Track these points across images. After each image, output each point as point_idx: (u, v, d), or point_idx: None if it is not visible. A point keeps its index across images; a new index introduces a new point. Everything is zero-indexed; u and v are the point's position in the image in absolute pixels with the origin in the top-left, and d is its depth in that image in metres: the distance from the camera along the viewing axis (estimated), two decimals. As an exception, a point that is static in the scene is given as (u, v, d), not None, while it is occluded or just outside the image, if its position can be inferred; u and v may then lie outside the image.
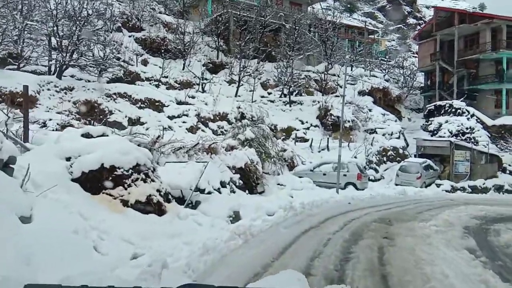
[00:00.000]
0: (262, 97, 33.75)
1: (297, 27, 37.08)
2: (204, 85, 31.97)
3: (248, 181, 17.60)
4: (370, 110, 34.01)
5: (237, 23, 37.33)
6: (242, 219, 10.33)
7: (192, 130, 24.55)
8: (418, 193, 22.27)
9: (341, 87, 39.31)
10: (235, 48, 35.20)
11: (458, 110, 32.41)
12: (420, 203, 18.64)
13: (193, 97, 27.99)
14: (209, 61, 36.05)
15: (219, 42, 37.39)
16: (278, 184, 18.32)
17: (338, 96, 34.54)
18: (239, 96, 31.99)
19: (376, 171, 26.93)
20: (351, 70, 43.45)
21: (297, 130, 29.88)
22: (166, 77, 31.79)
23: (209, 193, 13.76)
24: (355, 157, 25.06)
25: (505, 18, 33.00)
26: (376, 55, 50.26)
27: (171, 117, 25.06)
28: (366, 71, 42.50)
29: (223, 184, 15.27)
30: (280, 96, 34.02)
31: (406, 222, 12.38)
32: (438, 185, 25.43)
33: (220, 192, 14.60)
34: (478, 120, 30.89)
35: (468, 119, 30.50)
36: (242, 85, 33.86)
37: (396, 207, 16.43)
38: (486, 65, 34.95)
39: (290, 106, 32.39)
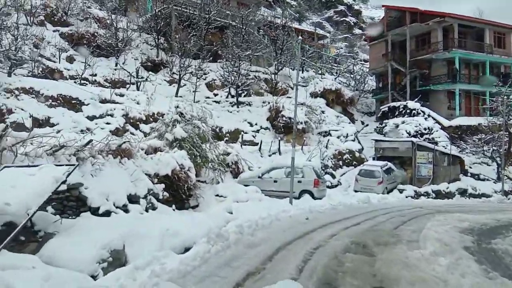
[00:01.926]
0: (207, 98, 29.12)
1: (244, 26, 32.88)
2: (139, 84, 26.89)
3: (177, 192, 12.94)
4: (323, 112, 30.24)
5: (179, 19, 32.62)
6: (128, 264, 5.63)
7: (117, 132, 19.42)
8: (382, 200, 18.43)
9: (292, 88, 35.61)
10: (177, 45, 30.39)
11: (413, 111, 29.35)
12: (389, 213, 14.66)
13: (121, 95, 22.85)
14: (148, 59, 31.01)
15: (159, 39, 32.48)
16: (217, 195, 13.71)
17: (290, 98, 30.69)
18: (180, 96, 27.15)
19: (333, 176, 22.99)
20: (302, 72, 40.01)
21: (246, 132, 25.44)
22: (95, 75, 26.47)
23: (106, 213, 8.96)
24: (310, 161, 20.97)
25: (457, 17, 30.56)
26: (326, 59, 47.13)
27: (91, 118, 19.83)
28: (317, 75, 39.03)
29: (134, 199, 10.50)
30: (227, 97, 29.54)
31: (390, 247, 8.19)
32: (400, 191, 21.82)
33: (126, 211, 9.82)
34: (435, 121, 27.90)
35: (425, 119, 27.41)
36: (185, 85, 29.15)
37: (365, 220, 12.28)
38: (439, 65, 32.35)
39: (238, 107, 27.95)
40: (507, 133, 24.17)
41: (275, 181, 16.23)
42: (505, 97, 24.57)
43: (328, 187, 21.59)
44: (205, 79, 31.50)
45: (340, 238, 8.76)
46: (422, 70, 33.03)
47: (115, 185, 9.89)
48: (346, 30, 78.28)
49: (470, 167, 25.45)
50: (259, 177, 16.44)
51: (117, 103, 21.91)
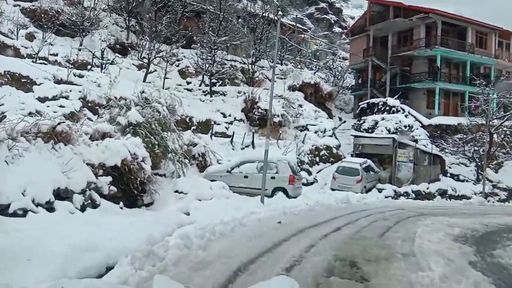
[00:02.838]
0: (179, 85, 26.78)
1: (222, 12, 30.54)
2: (104, 66, 24.32)
3: (127, 187, 10.72)
4: (301, 106, 28.34)
5: (153, 0, 30.05)
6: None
7: (72, 117, 16.92)
8: (361, 200, 16.63)
9: (269, 80, 33.59)
10: (149, 28, 27.84)
11: (393, 108, 27.76)
12: (371, 215, 12.84)
13: (81, 76, 20.29)
14: (117, 41, 28.37)
15: (131, 21, 29.88)
16: (177, 191, 11.52)
17: (267, 89, 28.68)
18: (148, 82, 24.70)
19: (309, 173, 21.13)
20: (281, 65, 38.03)
21: (218, 123, 23.27)
22: (56, 55, 23.76)
23: (21, 213, 6.74)
24: (285, 156, 18.99)
25: (441, 14, 29.14)
26: (306, 53, 45.28)
27: (43, 99, 17.25)
28: (296, 69, 37.13)
29: (65, 194, 8.26)
30: (200, 85, 27.28)
31: (384, 265, 6.27)
32: (379, 190, 20.14)
33: (51, 210, 7.59)
34: (415, 119, 26.42)
35: (406, 116, 25.88)
36: (155, 71, 26.76)
37: (346, 224, 10.37)
38: (420, 63, 30.93)
39: (211, 97, 25.73)
40: (489, 133, 22.86)
41: (245, 177, 14.17)
42: (489, 96, 23.22)
43: (303, 184, 19.73)
44: (178, 66, 29.20)
45: (321, 251, 6.78)
46: (403, 67, 31.59)
47: (38, 176, 7.62)
48: (326, 28, 77.00)
49: (450, 167, 24.09)
50: (228, 171, 14.34)
51: (75, 84, 19.36)
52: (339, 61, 48.14)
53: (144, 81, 24.51)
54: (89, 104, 18.38)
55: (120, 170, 10.51)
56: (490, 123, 22.81)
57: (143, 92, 19.47)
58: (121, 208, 10.11)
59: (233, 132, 20.53)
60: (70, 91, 18.18)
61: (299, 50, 43.43)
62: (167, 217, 8.09)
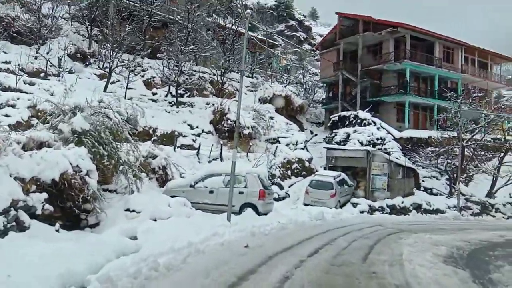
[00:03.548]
0: (143, 95, 24.97)
1: (191, 23, 29.12)
2: (62, 75, 22.29)
3: (68, 205, 8.94)
4: (272, 118, 27.09)
5: (117, 9, 28.32)
6: None
7: (19, 126, 14.87)
8: (336, 216, 15.30)
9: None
10: (111, 36, 26.02)
11: (364, 121, 26.92)
12: (349, 233, 11.48)
13: (32, 84, 18.22)
14: (78, 50, 26.34)
15: (93, 30, 27.97)
16: (128, 210, 9.75)
17: (237, 101, 27.27)
18: (110, 92, 22.78)
19: (281, 187, 19.69)
20: (252, 78, 36.88)
21: (185, 135, 21.58)
22: (8, 62, 21.56)
23: None
24: (255, 168, 17.47)
25: (409, 28, 28.85)
26: (277, 67, 44.42)
27: (-16, 107, 15.14)
28: (267, 82, 36.03)
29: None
30: (166, 96, 25.56)
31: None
32: (354, 205, 18.91)
33: None
34: (387, 132, 25.61)
35: (378, 129, 25.01)
36: (118, 81, 24.90)
37: (323, 245, 8.91)
38: (390, 76, 30.48)
39: (178, 108, 24.05)
40: (461, 146, 22.22)
41: (211, 192, 12.53)
42: (460, 109, 22.66)
43: (275, 199, 18.23)
44: (143, 76, 27.41)
45: (297, 286, 5.24)
46: (373, 80, 31.02)
47: None
48: (296, 45, 77.07)
49: (423, 181, 23.26)
50: (191, 186, 12.65)
51: (25, 92, 17.28)
52: (309, 75, 47.61)
53: (104, 90, 22.60)
54: (39, 114, 16.30)
55: (58, 185, 8.72)
56: (460, 136, 22.18)
57: (101, 101, 17.63)
58: (57, 230, 8.29)
59: (200, 144, 18.91)
60: (18, 99, 16.11)
61: (270, 64, 42.54)
62: (106, 243, 6.36)
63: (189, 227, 8.94)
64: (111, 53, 23.76)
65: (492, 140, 25.96)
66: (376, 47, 31.28)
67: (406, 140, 26.16)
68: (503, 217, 21.62)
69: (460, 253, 10.05)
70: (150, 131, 20.57)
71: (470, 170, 24.51)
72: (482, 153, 25.08)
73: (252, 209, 12.27)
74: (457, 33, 32.92)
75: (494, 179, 23.52)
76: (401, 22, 28.65)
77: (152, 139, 15.96)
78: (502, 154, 23.77)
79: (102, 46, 26.41)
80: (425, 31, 29.49)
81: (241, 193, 12.37)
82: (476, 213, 21.58)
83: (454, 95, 24.71)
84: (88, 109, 10.77)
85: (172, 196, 11.81)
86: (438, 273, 6.90)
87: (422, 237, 12.00)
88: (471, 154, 23.96)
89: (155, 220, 9.55)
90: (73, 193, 8.91)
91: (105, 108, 11.44)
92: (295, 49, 75.83)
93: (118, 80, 25.00)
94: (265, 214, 12.50)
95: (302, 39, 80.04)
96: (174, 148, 17.51)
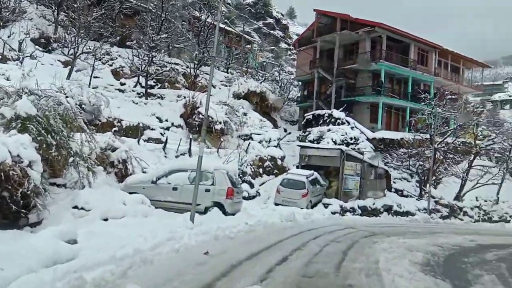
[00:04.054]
0: (110, 85, 23.44)
1: (165, 12, 27.72)
2: (22, 60, 20.53)
3: (4, 200, 7.69)
4: (245, 114, 26.14)
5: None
6: None
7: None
8: (307, 217, 14.51)
9: (214, 87, 31.11)
10: (80, 23, 24.31)
11: (338, 120, 26.34)
12: (321, 236, 10.68)
13: (-17, 66, 16.55)
14: (42, 35, 24.49)
15: (60, 14, 26.15)
16: (76, 207, 8.56)
17: (211, 95, 26.10)
18: (74, 80, 21.15)
19: (251, 185, 18.78)
20: (227, 73, 35.81)
21: (152, 128, 20.30)
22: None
23: None
24: (225, 165, 16.45)
25: (386, 28, 28.50)
26: (253, 64, 43.44)
27: None
28: (242, 78, 35.03)
29: None
30: (135, 86, 24.13)
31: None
32: (325, 205, 18.22)
33: None
34: (361, 131, 25.14)
35: (352, 128, 24.49)
36: (85, 69, 23.27)
37: (294, 251, 8.04)
38: (365, 76, 30.08)
39: (147, 99, 22.69)
40: (434, 149, 21.96)
41: (174, 189, 11.43)
42: (434, 110, 22.40)
43: (245, 198, 17.31)
44: (111, 65, 25.80)
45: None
46: (348, 80, 30.55)
47: None
48: (273, 43, 76.56)
49: (394, 182, 22.92)
50: (152, 182, 11.51)
51: (-26, 75, 15.60)
52: (285, 74, 46.94)
53: (68, 78, 20.96)
54: (-11, 98, 14.70)
55: (-8, 177, 7.47)
56: (433, 138, 21.93)
57: (61, 87, 16.16)
58: (-12, 231, 7.04)
59: (166, 137, 17.71)
60: (-36, 81, 14.40)
61: (246, 60, 41.54)
62: (33, 248, 5.21)
63: (144, 229, 7.86)
64: (76, 39, 22.15)
65: (461, 144, 25.97)
66: (353, 46, 30.82)
67: (379, 140, 25.81)
68: (471, 221, 21.56)
69: (436, 260, 9.45)
70: (115, 122, 19.18)
71: (440, 172, 24.37)
72: (451, 156, 25.03)
73: (219, 208, 11.28)
74: (433, 35, 32.91)
75: (463, 182, 23.48)
76: (378, 21, 28.25)
77: (113, 130, 14.62)
78: (472, 158, 23.74)
79: (68, 31, 24.67)
80: (402, 32, 29.24)
81: (207, 191, 11.35)
82: (445, 216, 21.40)
83: (429, 97, 24.48)
84: (37, 93, 9.44)
85: (130, 193, 10.68)
86: (419, 286, 6.15)
87: (396, 241, 11.37)
88: (442, 156, 23.81)
89: (107, 219, 8.43)
90: (10, 187, 7.67)
91: (56, 92, 10.11)
92: (272, 48, 75.29)
93: (85, 69, 23.41)
94: (233, 214, 11.54)
95: (279, 37, 79.45)
96: (138, 141, 16.24)
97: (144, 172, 12.98)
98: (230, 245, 7.51)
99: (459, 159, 25.47)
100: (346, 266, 7.27)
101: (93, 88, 20.73)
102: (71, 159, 9.18)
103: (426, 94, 25.95)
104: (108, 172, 12.11)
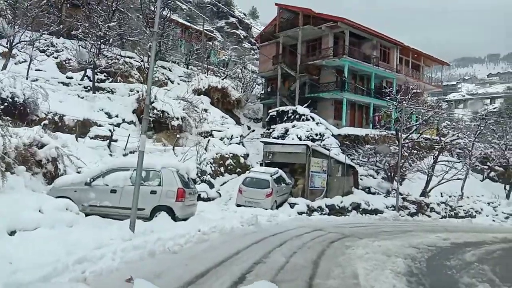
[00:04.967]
0: (54, 78, 20.85)
1: (117, 2, 25.29)
2: None
3: None
4: (206, 110, 24.26)
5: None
6: None
7: None
8: (272, 219, 12.88)
9: (172, 82, 29.00)
10: (20, 11, 21.48)
11: (303, 117, 25.03)
12: (287, 242, 9.06)
13: None
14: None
15: (-3, 0, 23.16)
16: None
17: (168, 90, 24.06)
18: (13, 72, 18.46)
19: (211, 185, 16.93)
20: (187, 68, 33.78)
21: (100, 125, 18.02)
22: None
23: None
24: (189, 167, 14.47)
25: (349, 23, 27.52)
26: (214, 60, 41.50)
27: None
28: (202, 74, 33.05)
29: None
30: (82, 79, 21.64)
31: None
32: (291, 205, 16.71)
33: None
34: (326, 128, 23.90)
35: (317, 124, 23.19)
36: (25, 61, 20.61)
37: (254, 265, 6.34)
38: (328, 72, 29.01)
39: (94, 93, 20.29)
40: (400, 144, 21.04)
41: (113, 191, 9.42)
42: (403, 105, 21.48)
43: (204, 199, 15.51)
44: (56, 58, 23.14)
45: None
46: (312, 76, 29.35)
47: None
48: (236, 43, 74.86)
49: (361, 179, 21.81)
50: (86, 183, 9.43)
51: None
52: (248, 72, 45.34)
53: (2, 69, 18.29)
54: None
55: None
56: (400, 133, 21.01)
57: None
58: None
59: (112, 132, 15.53)
60: None
61: (207, 56, 39.52)
62: None
63: (60, 245, 5.89)
64: (13, 27, 19.45)
65: (424, 140, 25.40)
66: (316, 42, 29.69)
67: (344, 137, 24.73)
68: (439, 217, 20.80)
69: (418, 267, 8.08)
70: (56, 118, 16.80)
71: (406, 168, 23.59)
72: (416, 152, 24.35)
73: (168, 213, 9.39)
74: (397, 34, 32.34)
75: (429, 178, 22.78)
76: (341, 17, 27.21)
77: (42, 124, 12.31)
78: (436, 153, 23.10)
79: (6, 19, 21.80)
80: (364, 28, 28.40)
81: (153, 192, 9.43)
82: (413, 212, 20.51)
83: (394, 91, 23.64)
84: None
85: (59, 197, 8.62)
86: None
87: (370, 244, 9.95)
88: (408, 152, 23.01)
89: (13, 232, 6.37)
90: None
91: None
92: (234, 47, 73.53)
93: (25, 61, 20.73)
94: (185, 219, 9.69)
95: (242, 37, 77.87)
96: (77, 137, 13.98)
97: (79, 173, 10.84)
98: (170, 264, 5.66)
99: (422, 155, 24.87)
100: (319, 285, 5.64)
101: (32, 81, 18.17)
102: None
103: (391, 88, 25.10)
104: (34, 172, 9.94)
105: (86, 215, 8.84)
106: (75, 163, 11.24)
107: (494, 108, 71.14)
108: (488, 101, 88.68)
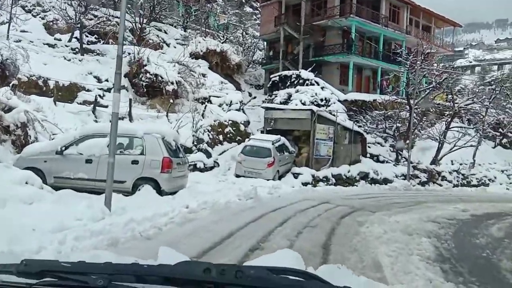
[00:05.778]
0: (39, 40, 19.08)
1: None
2: None
3: None
4: (204, 75, 22.52)
5: None
6: None
7: None
8: (274, 192, 11.55)
9: (168, 45, 27.09)
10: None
11: (307, 81, 23.28)
12: (290, 220, 7.74)
13: None
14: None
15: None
16: None
17: (163, 53, 22.29)
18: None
19: (208, 155, 15.53)
20: (185, 31, 31.71)
21: (89, 90, 16.45)
22: None
23: None
24: (178, 132, 12.98)
25: (357, -21, 25.20)
26: (214, 24, 39.12)
27: None
28: (200, 37, 30.97)
29: None
30: (70, 41, 19.88)
31: None
32: (295, 175, 15.37)
33: None
34: (332, 92, 22.23)
35: (322, 89, 21.49)
36: (7, 22, 18.77)
37: (247, 254, 5.00)
38: (334, 34, 26.91)
39: (83, 55, 18.59)
40: (410, 109, 19.42)
41: (88, 161, 8.02)
42: (417, 66, 19.62)
43: (200, 170, 14.20)
44: (43, 18, 21.25)
45: None
46: (316, 38, 27.29)
47: None
48: (237, 7, 71.40)
49: (369, 147, 20.35)
50: (57, 152, 8.03)
51: None
52: (249, 36, 42.99)
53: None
54: None
55: None
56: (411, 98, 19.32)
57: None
58: None
59: (96, 97, 13.99)
60: None
61: (206, 19, 37.17)
62: None
63: (6, 231, 4.53)
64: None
65: (436, 105, 23.71)
66: (321, 0, 27.40)
67: (351, 102, 23.04)
68: (451, 186, 19.48)
69: (447, 248, 6.81)
70: (40, 82, 15.23)
71: (416, 135, 22.07)
72: (425, 118, 22.76)
73: (153, 186, 8.03)
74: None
75: (440, 145, 21.29)
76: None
77: (11, 84, 10.74)
78: (449, 119, 21.49)
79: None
80: (373, -16, 26.04)
81: (135, 162, 8.03)
82: (423, 181, 19.17)
83: (405, 53, 21.72)
84: None
85: (26, 168, 7.26)
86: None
87: (386, 220, 8.66)
88: (419, 119, 21.41)
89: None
90: None
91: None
92: (235, 11, 70.17)
93: (7, 22, 18.92)
94: (173, 193, 8.33)
95: (244, 1, 74.44)
96: (55, 101, 12.46)
97: (52, 140, 9.42)
98: (134, 257, 4.33)
99: (433, 122, 23.27)
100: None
101: (15, 41, 16.46)
102: None
103: (402, 49, 23.14)
104: (1, 140, 8.52)
105: (58, 188, 7.53)
106: (50, 130, 9.80)
107: (502, 74, 68.47)
108: (495, 67, 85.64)
